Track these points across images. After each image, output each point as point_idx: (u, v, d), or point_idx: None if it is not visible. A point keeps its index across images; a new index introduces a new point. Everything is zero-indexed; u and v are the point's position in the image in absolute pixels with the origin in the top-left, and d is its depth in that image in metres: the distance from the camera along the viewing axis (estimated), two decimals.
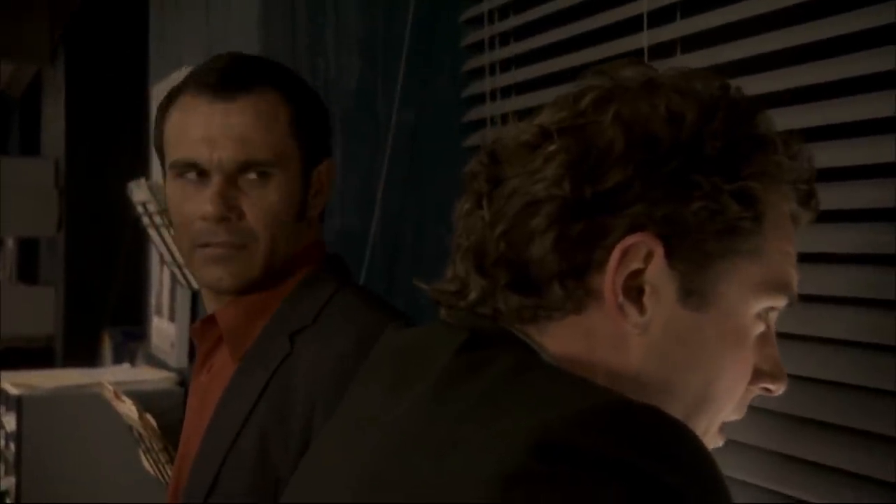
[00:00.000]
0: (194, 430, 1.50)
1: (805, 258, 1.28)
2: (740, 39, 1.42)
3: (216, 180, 1.41)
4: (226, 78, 1.43)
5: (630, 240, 0.86)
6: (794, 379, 1.27)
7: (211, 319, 1.49)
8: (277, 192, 1.42)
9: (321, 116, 1.51)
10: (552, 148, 0.88)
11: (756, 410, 1.30)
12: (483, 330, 0.88)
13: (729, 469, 1.35)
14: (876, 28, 1.20)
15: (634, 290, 0.87)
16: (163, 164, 1.50)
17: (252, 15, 2.20)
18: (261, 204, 1.41)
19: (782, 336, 1.28)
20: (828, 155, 1.26)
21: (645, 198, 0.86)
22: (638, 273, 0.87)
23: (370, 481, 0.81)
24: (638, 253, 0.86)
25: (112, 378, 2.69)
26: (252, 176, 1.41)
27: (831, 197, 1.25)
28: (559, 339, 0.88)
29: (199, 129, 1.42)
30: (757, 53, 1.39)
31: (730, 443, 1.31)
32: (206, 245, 1.42)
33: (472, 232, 0.91)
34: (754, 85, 1.36)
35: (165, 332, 2.99)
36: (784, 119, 1.29)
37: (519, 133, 0.92)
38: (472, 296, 0.90)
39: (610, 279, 0.86)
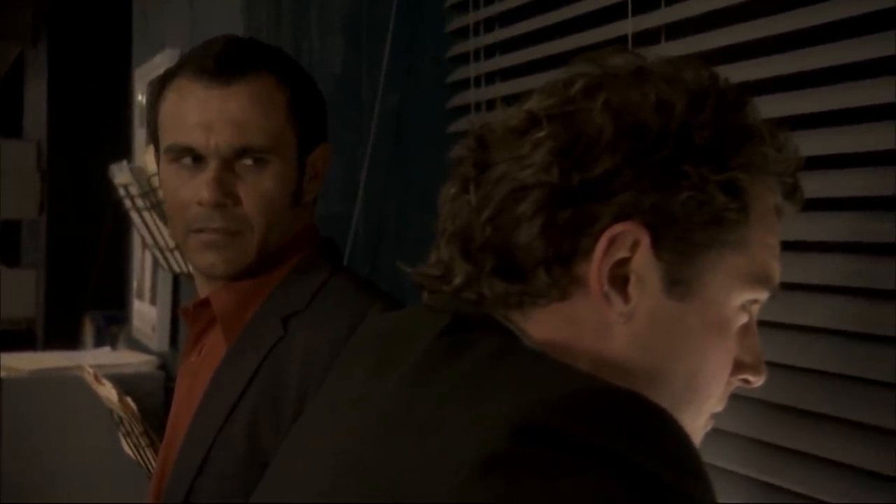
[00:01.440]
0: (183, 412, 1.50)
1: (793, 246, 1.29)
2: (725, 27, 1.42)
3: (213, 166, 1.40)
4: (222, 62, 1.42)
5: (617, 228, 0.86)
6: (778, 367, 1.28)
7: (204, 302, 1.49)
8: (274, 178, 1.42)
9: (317, 101, 1.51)
10: (541, 134, 0.88)
11: (738, 398, 1.30)
12: (465, 314, 0.88)
13: (712, 457, 1.35)
14: (861, 16, 1.20)
15: (620, 278, 0.87)
16: (157, 148, 1.49)
17: None
18: (257, 190, 1.41)
19: (768, 324, 1.29)
20: (818, 143, 1.27)
21: (633, 186, 0.86)
22: (624, 262, 0.87)
23: (350, 463, 0.81)
24: (624, 242, 0.86)
25: (93, 361, 2.69)
26: (249, 162, 1.41)
27: (822, 185, 1.26)
28: (543, 326, 0.88)
29: (196, 113, 1.41)
30: (742, 41, 1.39)
31: (712, 431, 1.32)
32: (201, 230, 1.42)
33: (458, 216, 0.91)
34: (739, 72, 1.36)
35: (147, 315, 2.98)
36: (773, 107, 1.31)
37: (507, 118, 0.92)
38: (457, 280, 0.90)
39: (596, 267, 0.87)
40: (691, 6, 1.47)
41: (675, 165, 0.86)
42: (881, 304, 1.18)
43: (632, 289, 0.87)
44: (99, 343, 4.19)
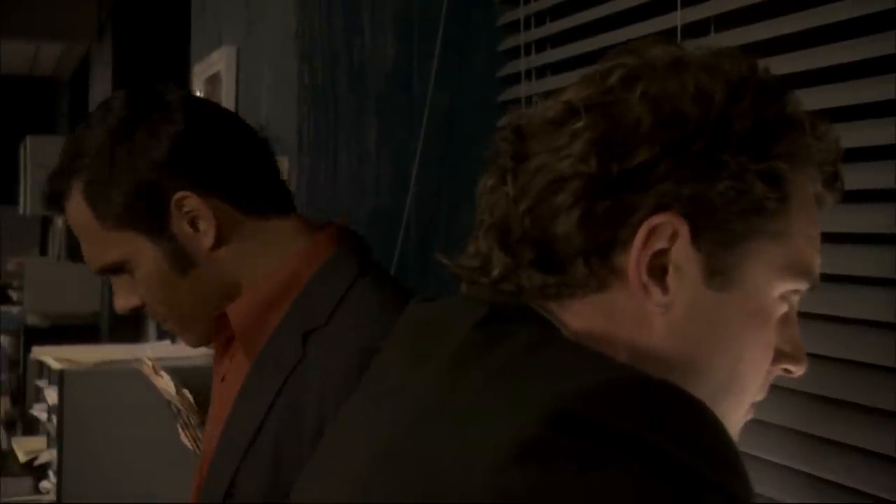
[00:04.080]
0: (214, 425, 1.49)
1: (841, 238, 1.28)
2: (774, 18, 1.41)
3: None
4: (47, 198, 1.47)
5: (656, 219, 0.86)
6: (827, 360, 1.27)
7: (223, 315, 1.45)
8: (144, 276, 1.42)
9: (138, 167, 1.40)
10: (579, 125, 0.88)
11: (786, 391, 1.30)
12: (503, 305, 0.88)
13: (760, 450, 1.35)
14: None
15: (658, 269, 0.87)
16: None
17: None
18: (142, 293, 1.43)
19: (816, 316, 1.28)
20: (865, 134, 1.25)
21: (671, 176, 0.86)
22: (662, 252, 0.86)
23: (387, 451, 0.81)
24: (663, 232, 0.86)
25: (152, 354, 2.72)
26: (117, 274, 1.44)
27: (863, 177, 1.25)
28: (581, 317, 0.88)
29: None
30: (791, 32, 1.38)
31: (760, 423, 1.32)
32: None
33: (496, 208, 0.91)
34: (788, 64, 1.35)
35: None
36: (816, 99, 1.30)
37: (545, 110, 0.92)
38: (495, 272, 0.90)
39: (634, 258, 0.86)
40: None
41: (714, 155, 0.86)
42: None
43: (670, 279, 0.87)
44: (162, 336, 4.23)
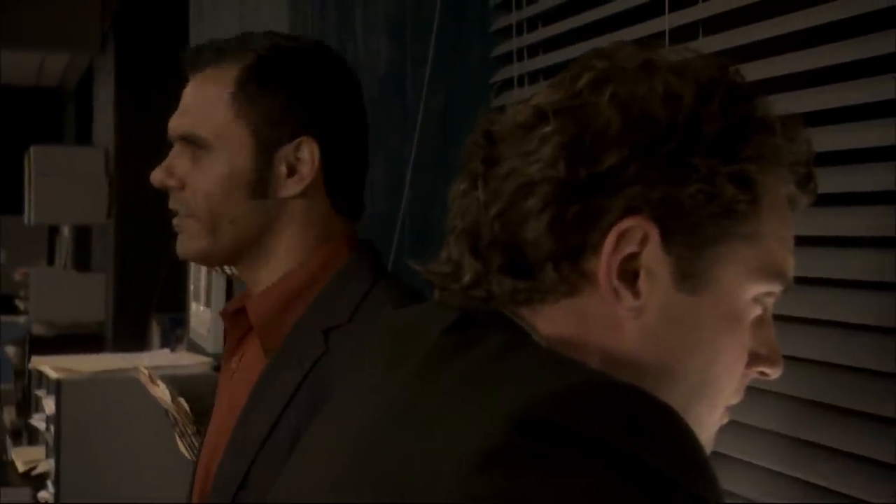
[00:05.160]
0: (223, 422, 1.49)
1: (825, 242, 1.27)
2: (763, 21, 1.40)
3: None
4: (196, 54, 1.47)
5: (626, 223, 0.85)
6: (810, 363, 1.26)
7: (241, 310, 1.48)
8: (214, 167, 1.42)
9: (301, 94, 1.46)
10: (548, 129, 0.87)
11: (769, 395, 1.29)
12: (473, 310, 0.87)
13: (743, 453, 1.34)
14: None
15: (629, 273, 0.86)
16: None
17: None
18: (198, 176, 1.43)
19: (798, 320, 1.27)
20: (847, 137, 1.24)
21: (641, 180, 0.85)
22: (633, 256, 0.86)
23: (357, 455, 0.81)
24: (633, 236, 0.85)
25: (149, 363, 2.72)
26: (193, 149, 1.43)
27: (845, 179, 1.24)
28: (552, 322, 0.87)
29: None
30: (780, 34, 1.37)
31: (743, 426, 1.31)
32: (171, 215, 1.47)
33: (467, 213, 0.90)
34: (777, 66, 1.34)
35: (202, 317, 3.01)
36: (804, 101, 1.29)
37: (515, 114, 0.91)
38: (466, 278, 0.90)
39: (605, 262, 0.86)
40: (729, 1, 1.46)
41: (684, 158, 0.85)
42: None
43: (642, 283, 0.86)
44: (165, 345, 4.25)
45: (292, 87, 1.45)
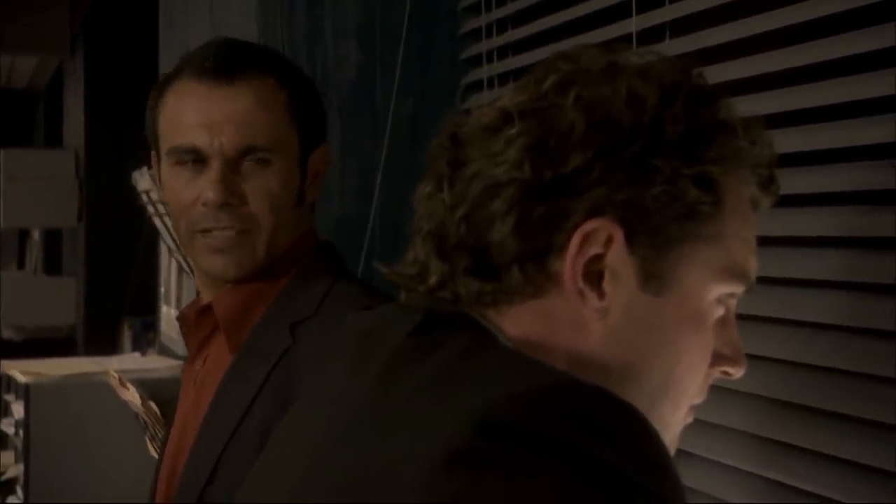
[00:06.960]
0: (190, 421, 1.48)
1: (792, 242, 1.28)
2: (730, 22, 1.41)
3: (216, 165, 1.39)
4: (224, 62, 1.42)
5: (590, 225, 0.86)
6: (779, 363, 1.27)
7: (207, 307, 1.48)
8: (277, 177, 1.42)
9: (316, 101, 1.50)
10: (513, 131, 0.88)
11: (738, 394, 1.30)
12: (438, 312, 0.88)
13: (713, 453, 1.35)
14: (867, 7, 1.19)
15: (594, 274, 0.87)
16: (157, 151, 1.50)
17: (251, 3, 2.20)
18: (262, 189, 1.41)
19: (766, 319, 1.29)
20: (815, 137, 1.26)
21: (605, 181, 0.86)
22: (598, 258, 0.86)
23: (320, 459, 0.81)
24: (598, 238, 0.86)
25: (119, 366, 2.71)
26: (253, 161, 1.41)
27: (819, 179, 1.25)
28: (518, 323, 0.88)
29: (199, 114, 1.41)
30: (746, 36, 1.38)
31: (713, 426, 1.32)
32: (208, 231, 1.41)
33: (433, 215, 0.91)
34: (745, 68, 1.35)
35: (173, 320, 3.00)
36: (773, 102, 1.30)
37: (480, 116, 0.92)
38: (432, 280, 0.90)
39: (570, 264, 0.86)
40: (694, 3, 1.47)
41: (648, 160, 0.86)
42: (881, 300, 1.17)
43: (606, 285, 0.87)
44: (137, 348, 4.23)
45: (317, 97, 1.49)
